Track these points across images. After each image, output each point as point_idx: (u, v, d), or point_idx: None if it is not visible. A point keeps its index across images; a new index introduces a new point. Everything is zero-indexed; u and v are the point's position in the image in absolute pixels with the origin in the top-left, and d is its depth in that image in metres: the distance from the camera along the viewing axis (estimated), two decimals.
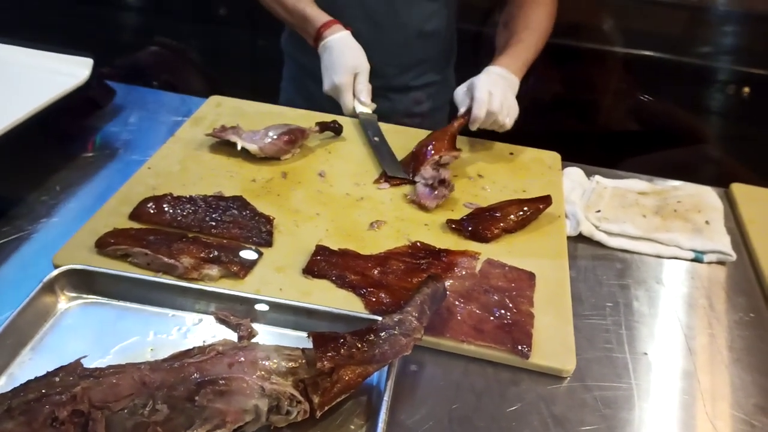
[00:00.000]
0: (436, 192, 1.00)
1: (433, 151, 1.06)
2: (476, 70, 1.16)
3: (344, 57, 1.17)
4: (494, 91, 1.09)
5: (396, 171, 1.08)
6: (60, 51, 1.16)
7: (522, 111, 1.14)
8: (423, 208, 1.00)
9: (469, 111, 1.10)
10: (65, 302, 0.78)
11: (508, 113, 1.11)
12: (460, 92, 1.15)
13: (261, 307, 0.78)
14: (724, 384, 0.79)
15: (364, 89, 1.20)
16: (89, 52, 1.14)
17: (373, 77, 1.21)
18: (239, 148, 1.08)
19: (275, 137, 1.08)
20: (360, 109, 1.21)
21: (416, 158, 1.09)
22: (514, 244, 0.95)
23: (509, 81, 1.14)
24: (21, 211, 0.96)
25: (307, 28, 1.22)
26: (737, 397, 0.77)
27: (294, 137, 1.09)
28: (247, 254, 0.87)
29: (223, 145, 1.10)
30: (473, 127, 1.11)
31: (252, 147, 1.06)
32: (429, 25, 1.30)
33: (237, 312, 0.78)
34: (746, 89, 1.71)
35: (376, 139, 1.16)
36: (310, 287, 0.84)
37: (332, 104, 1.26)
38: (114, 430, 0.56)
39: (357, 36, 1.23)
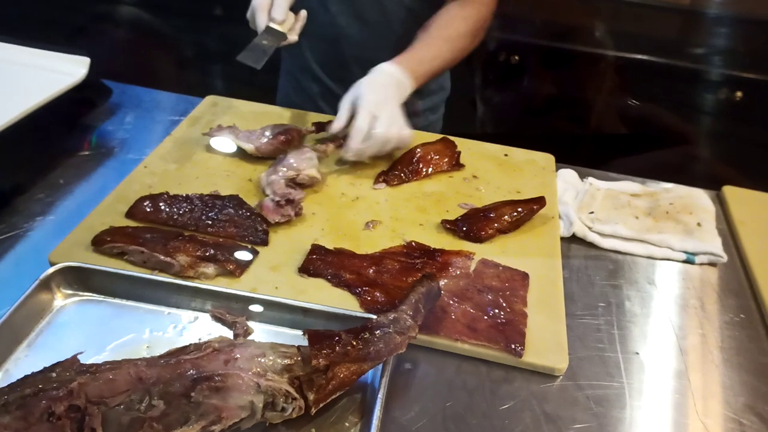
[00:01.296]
0: (282, 210, 0.94)
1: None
2: (471, 71, 1.16)
3: None
4: (380, 114, 1.02)
5: (246, 58, 1.02)
6: (57, 50, 1.16)
7: (517, 113, 1.15)
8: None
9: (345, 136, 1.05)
10: (61, 299, 0.78)
11: (391, 143, 1.06)
12: (345, 102, 1.05)
13: (256, 307, 0.78)
14: (714, 383, 0.80)
15: (278, 6, 1.08)
16: (86, 51, 1.15)
17: (361, 69, 1.19)
18: (235, 147, 1.09)
19: (271, 137, 1.08)
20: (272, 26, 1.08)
21: None
22: (508, 245, 0.95)
23: (401, 88, 1.08)
24: (17, 208, 0.96)
25: None
26: (727, 396, 0.78)
27: (290, 137, 1.10)
28: (243, 255, 0.87)
29: (219, 144, 1.11)
30: (347, 157, 1.06)
31: (248, 147, 1.07)
32: (419, 21, 1.25)
33: (233, 310, 0.78)
34: (739, 93, 1.73)
35: (264, 42, 1.06)
36: (306, 286, 0.84)
37: (329, 101, 1.27)
38: (110, 426, 0.57)
39: (344, 32, 1.22)
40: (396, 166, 1.09)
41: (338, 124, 1.05)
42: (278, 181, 0.98)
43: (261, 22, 1.08)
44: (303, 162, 1.02)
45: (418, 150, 1.12)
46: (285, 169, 1.00)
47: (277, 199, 0.94)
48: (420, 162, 1.10)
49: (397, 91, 1.08)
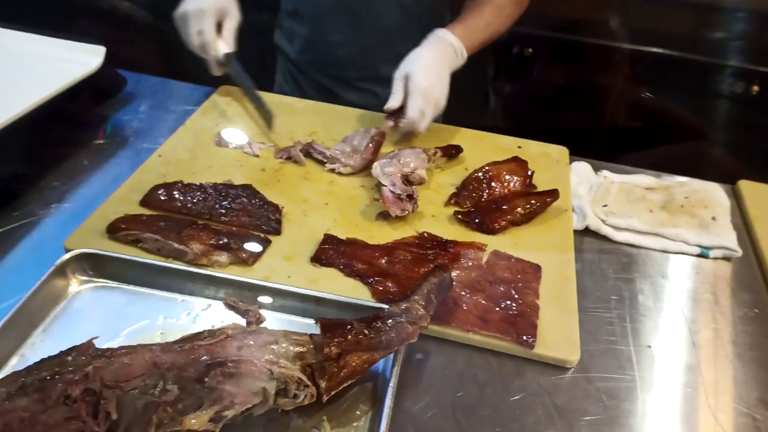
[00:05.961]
0: (402, 204, 0.95)
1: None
2: (484, 64, 1.15)
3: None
4: (426, 108, 1.05)
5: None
6: (72, 39, 1.17)
7: (530, 105, 1.14)
8: (386, 213, 0.95)
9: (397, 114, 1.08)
10: (76, 286, 0.79)
11: (431, 115, 1.09)
12: (397, 82, 1.08)
13: (269, 295, 0.79)
14: (727, 378, 0.79)
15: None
16: (101, 41, 1.15)
17: (354, 69, 1.18)
18: (246, 139, 1.10)
19: (362, 151, 1.07)
20: (226, 50, 1.13)
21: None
22: (521, 237, 0.95)
23: (451, 59, 1.10)
24: (33, 196, 0.97)
25: None
26: (740, 391, 0.77)
27: (378, 142, 1.08)
28: (255, 244, 0.87)
29: (230, 137, 1.12)
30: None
31: (346, 170, 1.06)
32: (411, 17, 1.25)
33: (245, 298, 0.79)
34: (755, 87, 1.71)
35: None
36: (318, 275, 0.85)
37: (325, 97, 1.27)
38: (125, 410, 0.57)
39: (333, 28, 1.21)
40: (467, 187, 1.03)
41: (393, 104, 1.08)
42: (396, 175, 0.98)
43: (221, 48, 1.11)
44: (418, 161, 1.03)
45: (489, 170, 1.05)
46: (401, 164, 1.01)
47: (398, 192, 0.95)
48: (492, 181, 1.03)
49: (450, 63, 1.10)
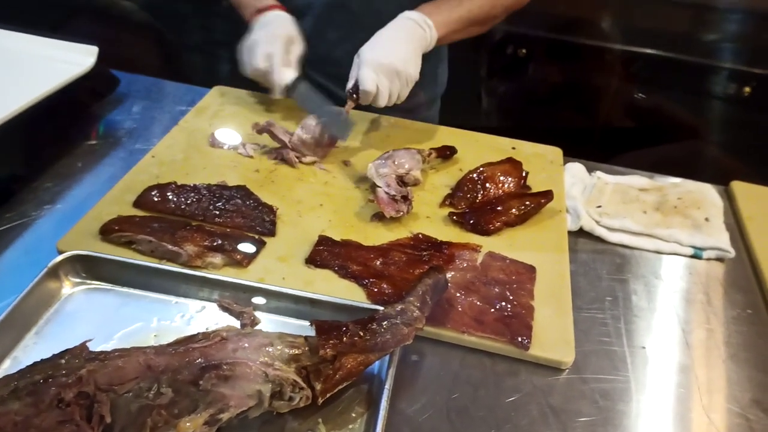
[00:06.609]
0: (397, 205, 0.95)
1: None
2: (478, 64, 1.15)
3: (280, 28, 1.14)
4: (381, 78, 1.05)
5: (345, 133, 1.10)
6: (65, 39, 1.16)
7: (524, 106, 1.14)
8: (381, 214, 0.95)
9: (356, 92, 1.07)
10: (69, 288, 0.79)
11: (397, 97, 1.09)
12: (354, 63, 1.09)
13: (263, 297, 0.79)
14: (720, 378, 0.79)
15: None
16: (96, 40, 1.15)
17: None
18: (240, 139, 1.09)
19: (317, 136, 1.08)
20: (292, 75, 1.14)
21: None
22: (516, 238, 0.95)
23: (412, 30, 1.09)
24: (25, 197, 0.97)
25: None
26: (733, 391, 0.78)
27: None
28: (250, 245, 0.87)
29: (224, 137, 1.11)
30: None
31: (307, 160, 1.07)
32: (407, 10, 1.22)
33: (240, 300, 0.78)
34: (747, 88, 1.72)
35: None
36: (313, 277, 0.84)
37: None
38: (119, 413, 0.57)
39: (331, 25, 1.21)
40: (461, 188, 1.03)
41: (349, 84, 1.08)
42: (390, 176, 0.99)
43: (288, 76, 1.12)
44: (413, 162, 1.03)
45: (484, 171, 1.05)
46: (396, 165, 1.01)
47: (393, 193, 0.95)
48: (486, 182, 1.03)
49: (412, 33, 1.08)
